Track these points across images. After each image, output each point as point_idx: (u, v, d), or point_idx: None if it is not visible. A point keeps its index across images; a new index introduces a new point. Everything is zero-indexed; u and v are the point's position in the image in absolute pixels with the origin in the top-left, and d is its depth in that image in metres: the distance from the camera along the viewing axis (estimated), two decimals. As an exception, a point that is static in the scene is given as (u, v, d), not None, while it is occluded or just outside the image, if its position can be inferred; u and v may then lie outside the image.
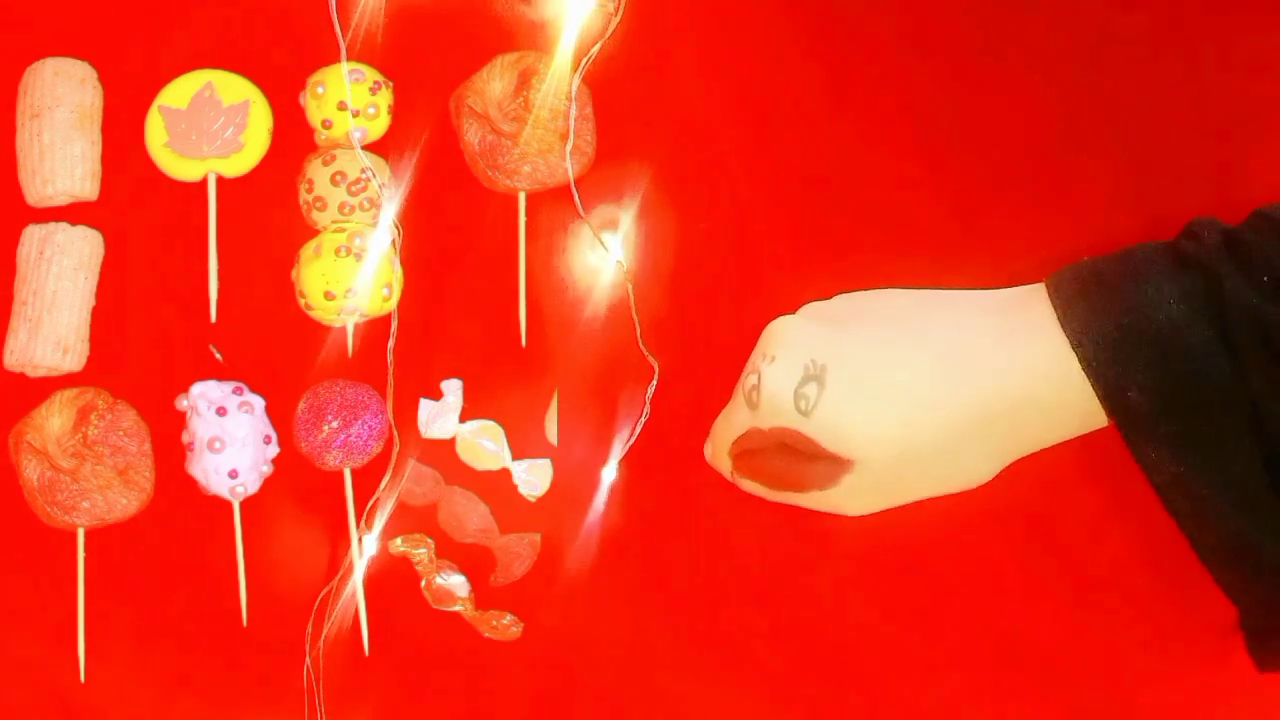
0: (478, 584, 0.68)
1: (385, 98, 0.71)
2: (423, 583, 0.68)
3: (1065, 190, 0.68)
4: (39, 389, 0.69)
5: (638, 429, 0.68)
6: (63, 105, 0.70)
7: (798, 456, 0.59)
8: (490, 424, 0.69)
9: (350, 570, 0.67)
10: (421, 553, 0.68)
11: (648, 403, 0.67)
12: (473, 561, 0.68)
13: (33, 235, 0.70)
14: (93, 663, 0.68)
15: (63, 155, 0.70)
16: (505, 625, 0.68)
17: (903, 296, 0.60)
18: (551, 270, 0.70)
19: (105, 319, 0.70)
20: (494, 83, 0.70)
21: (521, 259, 0.70)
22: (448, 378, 0.69)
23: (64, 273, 0.69)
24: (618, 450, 0.68)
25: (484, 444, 0.69)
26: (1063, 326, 0.54)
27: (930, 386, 0.56)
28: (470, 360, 0.69)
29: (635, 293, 0.68)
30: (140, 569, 0.69)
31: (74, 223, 0.70)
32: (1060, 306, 0.55)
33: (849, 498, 0.58)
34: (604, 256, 0.69)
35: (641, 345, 0.67)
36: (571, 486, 0.68)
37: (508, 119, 0.70)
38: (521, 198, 0.70)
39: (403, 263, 0.70)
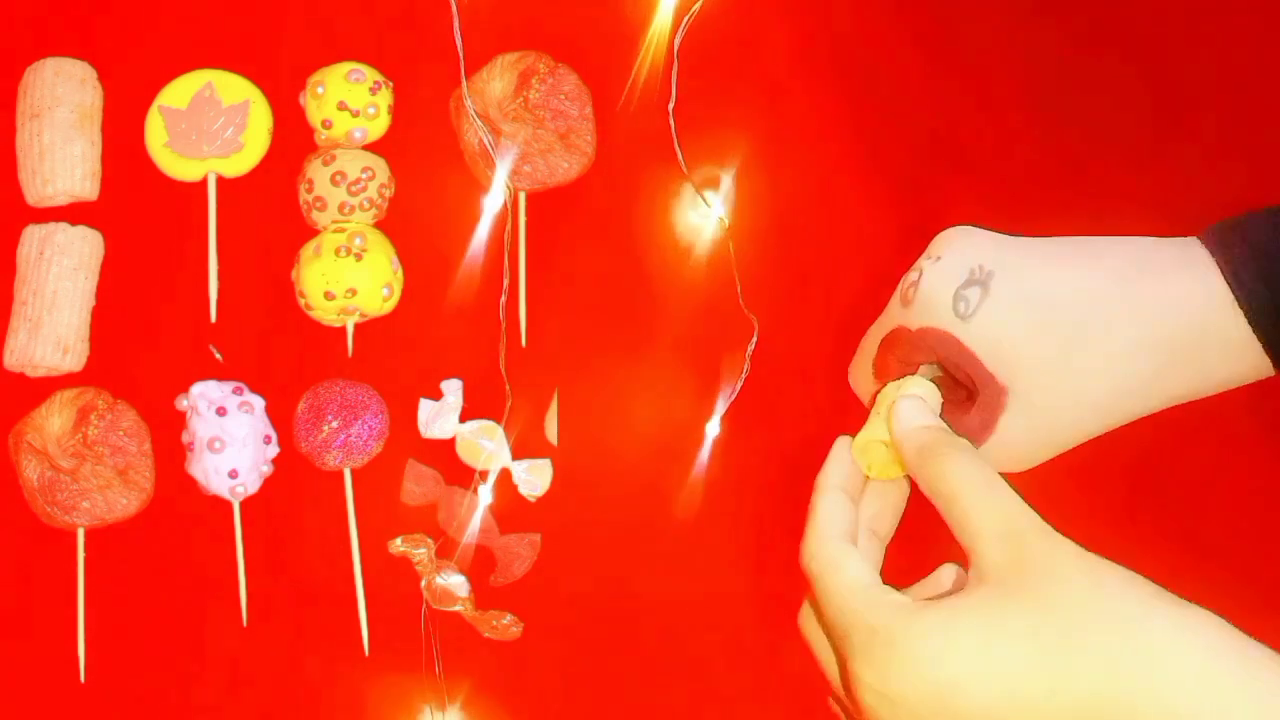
0: (478, 584, 0.68)
1: (385, 98, 0.71)
2: (423, 583, 0.68)
3: (1171, 144, 0.68)
4: (39, 389, 0.69)
5: (739, 385, 0.68)
6: (63, 105, 0.70)
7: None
8: (490, 424, 0.69)
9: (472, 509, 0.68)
10: (421, 553, 0.68)
11: (748, 359, 0.68)
12: (473, 561, 0.68)
13: (33, 235, 0.70)
14: (93, 663, 0.68)
15: (63, 155, 0.70)
16: (505, 625, 0.68)
17: (1069, 237, 0.57)
18: (552, 270, 0.70)
19: (105, 319, 0.70)
20: (494, 83, 0.70)
21: (522, 259, 0.70)
22: (448, 378, 0.69)
23: (64, 273, 0.69)
24: (721, 405, 0.68)
25: (484, 444, 0.69)
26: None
27: (1101, 308, 0.53)
28: (470, 360, 0.69)
29: (735, 250, 0.69)
30: (140, 569, 0.69)
31: (74, 223, 0.70)
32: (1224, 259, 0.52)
33: (1006, 445, 0.54)
34: (705, 214, 0.69)
35: (742, 303, 0.68)
36: (573, 478, 0.69)
37: (508, 119, 0.70)
38: (521, 198, 0.70)
39: (402, 262, 0.70)
